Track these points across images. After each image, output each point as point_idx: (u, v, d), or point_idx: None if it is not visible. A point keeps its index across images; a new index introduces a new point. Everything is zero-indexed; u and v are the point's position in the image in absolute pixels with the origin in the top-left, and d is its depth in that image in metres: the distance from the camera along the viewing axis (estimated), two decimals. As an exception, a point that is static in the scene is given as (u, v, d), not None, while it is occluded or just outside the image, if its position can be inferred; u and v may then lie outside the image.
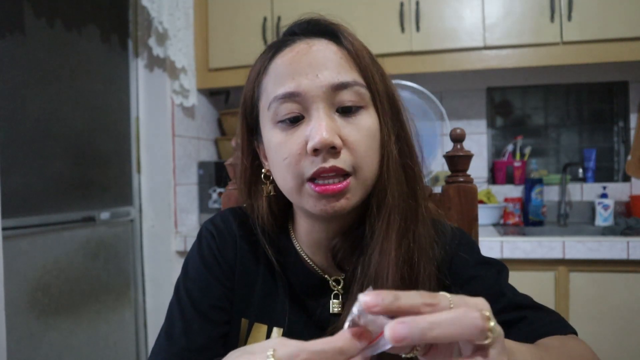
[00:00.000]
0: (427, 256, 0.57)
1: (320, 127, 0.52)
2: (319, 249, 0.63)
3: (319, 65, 0.54)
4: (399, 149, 0.57)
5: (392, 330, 0.30)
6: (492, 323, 0.32)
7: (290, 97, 0.54)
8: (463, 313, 0.31)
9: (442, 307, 0.32)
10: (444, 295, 0.33)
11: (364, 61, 0.56)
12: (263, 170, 0.63)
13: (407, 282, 0.55)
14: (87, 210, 1.68)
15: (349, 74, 0.55)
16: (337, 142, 0.52)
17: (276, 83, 0.56)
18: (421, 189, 0.59)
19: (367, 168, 0.55)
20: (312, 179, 0.54)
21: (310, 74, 0.54)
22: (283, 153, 0.55)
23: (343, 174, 0.53)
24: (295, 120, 0.55)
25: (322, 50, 0.55)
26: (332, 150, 0.52)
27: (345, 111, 0.54)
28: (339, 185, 0.53)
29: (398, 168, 0.57)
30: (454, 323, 0.31)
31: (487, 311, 0.33)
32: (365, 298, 0.31)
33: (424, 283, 0.56)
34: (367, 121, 0.55)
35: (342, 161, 0.53)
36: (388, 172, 0.56)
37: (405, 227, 0.56)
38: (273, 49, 0.59)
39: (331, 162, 0.52)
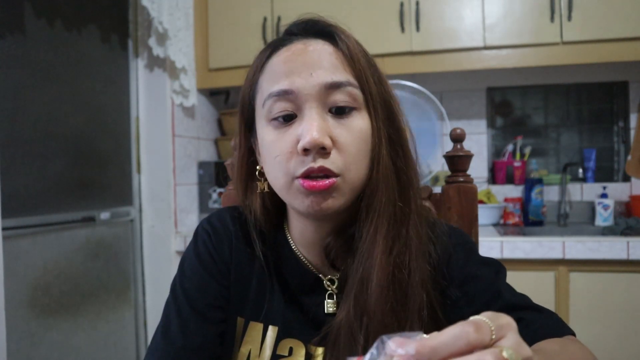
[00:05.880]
0: (418, 260, 0.57)
1: (312, 127, 0.52)
2: (313, 247, 0.63)
3: (313, 64, 0.55)
4: (392, 152, 0.57)
5: None
6: (490, 323, 0.32)
7: (284, 94, 0.55)
8: (460, 331, 0.31)
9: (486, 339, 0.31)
10: (485, 324, 0.32)
11: (358, 63, 0.56)
12: (258, 167, 0.63)
13: (397, 287, 0.55)
14: (87, 210, 1.68)
15: (343, 75, 0.55)
16: (327, 142, 0.53)
17: (271, 81, 0.56)
18: (414, 193, 0.59)
19: (355, 170, 0.55)
20: (301, 176, 0.54)
21: (305, 73, 0.54)
22: (275, 151, 0.56)
23: (331, 175, 0.54)
24: (289, 119, 0.55)
25: (318, 50, 0.56)
26: (322, 151, 0.53)
27: (338, 112, 0.55)
28: (326, 182, 0.53)
29: (389, 172, 0.57)
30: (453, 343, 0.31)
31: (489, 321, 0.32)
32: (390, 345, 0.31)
33: (415, 287, 0.56)
34: (359, 123, 0.56)
35: (331, 162, 0.53)
36: (377, 176, 0.56)
37: (395, 231, 0.56)
38: (270, 48, 0.59)
39: (320, 163, 0.53)
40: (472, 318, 0.32)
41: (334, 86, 0.54)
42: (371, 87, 0.57)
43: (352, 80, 0.55)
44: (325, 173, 0.53)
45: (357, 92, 0.56)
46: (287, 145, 0.55)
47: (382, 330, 0.54)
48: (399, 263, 0.56)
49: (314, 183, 0.53)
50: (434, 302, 0.58)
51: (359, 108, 0.56)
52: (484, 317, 0.33)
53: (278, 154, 0.55)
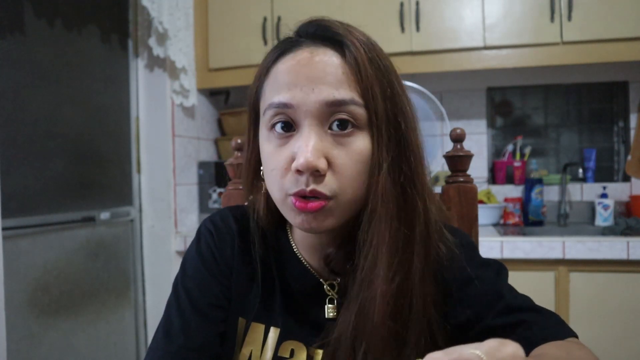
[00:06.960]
0: (423, 286, 0.55)
1: (307, 147, 0.50)
2: (314, 251, 0.63)
3: (316, 79, 0.52)
4: (395, 175, 0.54)
5: None
6: None
7: (283, 107, 0.53)
8: None
9: None
10: None
11: (366, 78, 0.52)
12: (262, 167, 0.62)
13: (398, 317, 0.54)
14: (87, 210, 1.68)
15: (347, 92, 0.52)
16: (322, 166, 0.51)
17: (273, 90, 0.55)
18: (423, 218, 0.56)
19: (351, 193, 0.53)
20: (294, 195, 0.53)
21: (306, 87, 0.52)
22: (271, 164, 0.55)
23: (322, 197, 0.52)
24: (287, 129, 0.54)
25: (324, 62, 0.53)
26: (317, 173, 0.51)
27: (338, 130, 0.52)
28: (316, 204, 0.52)
29: (389, 197, 0.53)
30: None
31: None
32: None
33: (417, 315, 0.55)
34: (359, 144, 0.53)
35: (324, 185, 0.52)
36: (374, 201, 0.53)
37: (397, 259, 0.54)
38: (278, 51, 0.57)
39: (312, 186, 0.51)
40: (468, 352, 0.30)
41: (336, 104, 0.52)
42: (377, 105, 0.53)
43: (356, 98, 0.52)
44: (317, 195, 0.52)
45: (361, 111, 0.52)
46: (283, 161, 0.53)
47: (380, 355, 0.54)
48: (400, 291, 0.54)
49: (305, 204, 0.52)
50: (434, 327, 0.57)
51: (360, 127, 0.53)
52: (480, 352, 0.30)
53: (274, 168, 0.54)
